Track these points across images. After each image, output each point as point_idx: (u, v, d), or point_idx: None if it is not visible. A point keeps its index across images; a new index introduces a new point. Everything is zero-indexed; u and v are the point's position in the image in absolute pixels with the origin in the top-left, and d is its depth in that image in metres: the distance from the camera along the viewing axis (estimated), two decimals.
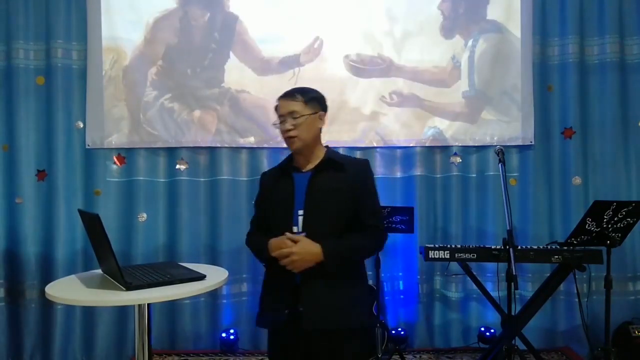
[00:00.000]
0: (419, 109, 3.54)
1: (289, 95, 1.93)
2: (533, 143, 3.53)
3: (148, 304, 1.78)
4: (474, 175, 3.57)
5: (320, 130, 1.97)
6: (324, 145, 2.02)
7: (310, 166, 1.95)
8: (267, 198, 2.04)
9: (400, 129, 3.54)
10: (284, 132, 1.92)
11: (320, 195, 1.88)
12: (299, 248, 1.80)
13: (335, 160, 1.95)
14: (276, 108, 1.98)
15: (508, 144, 3.51)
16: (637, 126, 3.52)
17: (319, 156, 1.96)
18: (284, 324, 1.85)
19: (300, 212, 1.89)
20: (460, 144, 3.55)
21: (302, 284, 1.84)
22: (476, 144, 3.55)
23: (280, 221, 1.92)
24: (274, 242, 1.87)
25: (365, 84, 3.52)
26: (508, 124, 3.54)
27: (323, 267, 1.81)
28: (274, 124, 1.99)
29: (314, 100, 1.94)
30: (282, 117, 1.93)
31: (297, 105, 1.90)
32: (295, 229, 1.88)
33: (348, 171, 1.92)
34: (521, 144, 3.54)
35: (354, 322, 1.88)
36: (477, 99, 3.55)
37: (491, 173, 3.54)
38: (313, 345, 1.86)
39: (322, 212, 1.88)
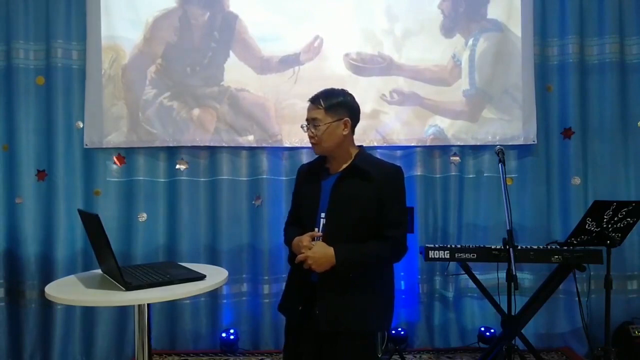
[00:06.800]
0: (420, 107, 3.53)
1: (314, 100, 1.94)
2: (536, 142, 3.52)
3: (148, 304, 1.78)
4: (473, 175, 3.57)
5: (344, 136, 1.94)
6: (358, 147, 2.02)
7: (340, 169, 1.97)
8: (298, 195, 2.10)
9: (401, 127, 3.53)
10: (309, 137, 1.96)
11: (342, 202, 1.90)
12: (313, 252, 1.85)
13: (360, 168, 1.93)
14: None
15: (510, 143, 3.49)
16: (636, 126, 3.51)
17: (347, 160, 1.97)
18: (298, 320, 1.95)
19: (323, 215, 1.93)
20: (462, 143, 3.54)
21: (319, 285, 1.89)
22: (478, 143, 3.53)
23: (306, 221, 1.99)
24: (294, 243, 1.95)
25: (366, 83, 3.51)
26: (509, 123, 3.52)
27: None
28: (301, 126, 2.00)
29: (337, 106, 1.92)
30: (307, 121, 1.96)
31: (318, 113, 1.91)
32: (316, 230, 1.93)
33: (374, 179, 1.89)
34: (523, 142, 3.52)
35: (367, 325, 1.89)
36: (477, 98, 3.54)
37: (491, 173, 3.53)
38: (323, 344, 1.90)
39: (342, 218, 1.90)
